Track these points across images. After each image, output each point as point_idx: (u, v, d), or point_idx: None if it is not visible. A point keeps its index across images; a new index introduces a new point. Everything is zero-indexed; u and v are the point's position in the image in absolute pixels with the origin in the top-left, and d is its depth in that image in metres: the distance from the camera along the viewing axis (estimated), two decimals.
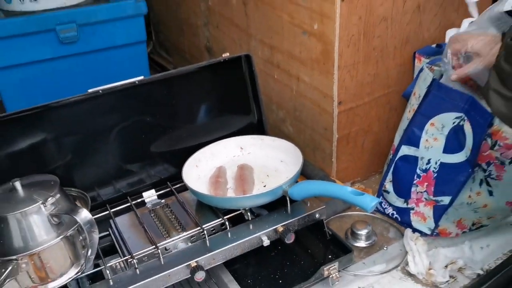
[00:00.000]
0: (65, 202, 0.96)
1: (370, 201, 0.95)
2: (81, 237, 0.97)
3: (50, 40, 1.57)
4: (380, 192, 1.31)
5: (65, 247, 0.95)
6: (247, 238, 1.06)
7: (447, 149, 1.16)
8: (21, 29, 1.53)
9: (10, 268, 0.88)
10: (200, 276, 1.00)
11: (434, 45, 1.32)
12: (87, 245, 0.92)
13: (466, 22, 1.18)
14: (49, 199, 0.92)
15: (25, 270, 0.91)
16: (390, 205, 1.29)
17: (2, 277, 0.86)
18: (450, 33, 1.28)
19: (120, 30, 1.68)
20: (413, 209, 1.24)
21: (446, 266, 1.15)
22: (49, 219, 0.92)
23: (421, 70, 1.21)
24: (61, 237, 0.93)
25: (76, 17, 1.60)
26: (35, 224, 0.91)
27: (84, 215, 0.90)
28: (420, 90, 1.21)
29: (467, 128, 1.10)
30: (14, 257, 0.89)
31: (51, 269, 0.94)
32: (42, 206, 0.91)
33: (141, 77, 1.18)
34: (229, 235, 1.07)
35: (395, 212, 1.28)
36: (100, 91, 1.13)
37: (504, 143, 1.07)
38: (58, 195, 0.94)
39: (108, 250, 1.11)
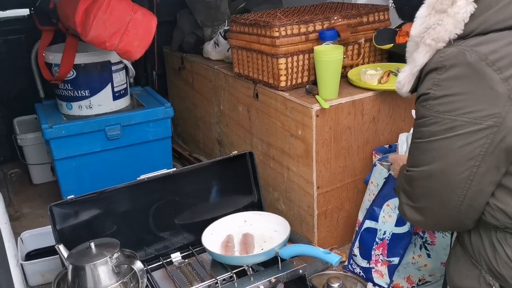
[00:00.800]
0: (123, 257, 1.38)
1: (334, 257, 1.37)
2: (132, 284, 1.38)
3: (100, 137, 2.06)
4: (350, 256, 1.72)
5: None
6: (249, 287, 1.46)
7: (397, 224, 1.59)
8: (79, 130, 2.02)
9: None
10: None
11: (387, 146, 1.79)
12: (140, 286, 1.33)
13: (402, 136, 1.64)
14: (114, 254, 1.34)
15: None
16: (358, 265, 1.69)
17: None
18: (402, 137, 1.74)
19: (152, 129, 2.18)
20: (373, 268, 1.64)
21: None
22: (113, 268, 1.34)
23: (374, 164, 1.67)
24: (120, 282, 1.34)
25: (120, 120, 2.10)
26: (102, 272, 1.33)
27: (138, 264, 1.32)
28: (376, 179, 1.66)
29: None
30: None
31: None
32: (108, 259, 1.33)
33: (174, 169, 1.65)
34: (236, 285, 1.48)
35: (361, 271, 1.68)
36: (146, 178, 1.59)
37: None
38: (119, 252, 1.37)
39: None
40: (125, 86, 2.22)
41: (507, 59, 0.92)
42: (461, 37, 0.97)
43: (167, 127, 2.22)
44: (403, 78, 1.10)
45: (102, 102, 2.13)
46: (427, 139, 1.01)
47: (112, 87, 2.15)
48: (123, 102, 2.22)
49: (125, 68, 2.21)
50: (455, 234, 1.22)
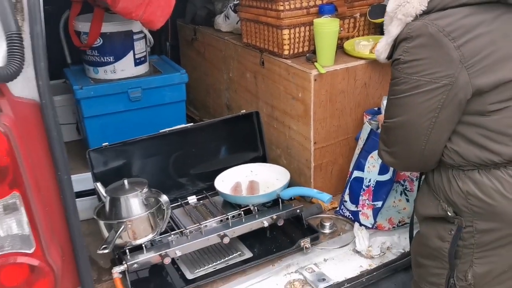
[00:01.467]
0: (150, 192, 1.67)
1: (326, 196, 1.67)
2: (157, 216, 1.66)
3: (123, 98, 2.32)
4: (341, 202, 2.00)
5: (149, 219, 1.64)
6: (254, 221, 1.75)
7: (380, 172, 1.86)
8: (105, 92, 2.28)
9: (122, 226, 1.57)
10: (226, 240, 1.68)
11: (376, 108, 2.05)
12: (165, 216, 1.61)
13: (384, 99, 1.90)
14: (144, 189, 1.63)
15: (128, 229, 1.60)
16: (347, 209, 1.98)
17: (120, 230, 1.56)
18: (384, 100, 2.00)
19: (169, 93, 2.43)
20: (360, 211, 1.92)
21: (379, 246, 1.83)
22: (142, 201, 1.63)
23: (364, 124, 1.94)
24: (148, 211, 1.63)
25: (141, 84, 2.35)
26: (134, 203, 1.62)
27: (164, 197, 1.60)
28: (364, 136, 1.93)
29: None
30: (124, 220, 1.59)
31: (140, 231, 1.63)
32: (139, 193, 1.62)
33: (191, 124, 1.92)
34: (243, 220, 1.77)
35: (350, 214, 1.96)
36: (167, 131, 1.87)
37: None
38: (147, 188, 1.65)
39: (169, 227, 1.79)
40: (144, 53, 2.47)
41: (460, 30, 1.18)
42: (425, 13, 1.23)
43: (182, 91, 2.48)
44: (381, 47, 1.36)
45: (125, 68, 2.39)
46: (398, 95, 1.27)
47: (134, 54, 2.40)
48: (143, 68, 2.48)
49: (145, 37, 2.45)
50: (423, 178, 1.50)
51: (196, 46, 2.91)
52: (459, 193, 1.28)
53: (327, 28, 1.90)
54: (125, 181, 1.65)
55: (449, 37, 1.18)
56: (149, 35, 2.47)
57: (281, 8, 1.95)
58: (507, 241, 1.24)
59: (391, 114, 1.32)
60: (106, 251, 1.50)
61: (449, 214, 1.31)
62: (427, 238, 1.39)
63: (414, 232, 1.58)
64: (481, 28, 1.18)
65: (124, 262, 1.59)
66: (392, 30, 1.30)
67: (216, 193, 1.93)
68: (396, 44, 1.29)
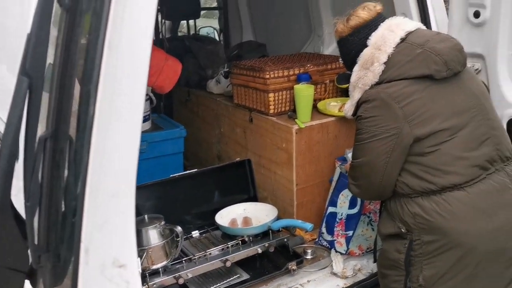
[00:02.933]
0: (166, 225, 2.03)
1: (308, 225, 2.07)
2: (171, 246, 2.02)
3: None
4: (320, 234, 2.40)
5: (164, 247, 1.99)
6: (250, 249, 2.13)
7: (350, 207, 2.29)
8: None
9: (145, 253, 1.92)
10: (228, 264, 2.05)
11: (345, 156, 2.51)
12: (178, 245, 1.97)
13: (347, 151, 2.36)
14: (161, 222, 2.00)
15: (148, 255, 1.95)
16: (325, 240, 2.37)
17: (143, 257, 1.90)
18: (347, 151, 2.45)
19: (169, 146, 2.85)
20: (335, 240, 2.32)
21: (352, 268, 2.22)
22: (159, 232, 1.99)
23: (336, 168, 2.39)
24: (164, 241, 1.98)
25: (146, 138, 2.76)
26: (152, 234, 1.98)
27: (179, 228, 1.97)
28: (335, 178, 2.37)
29: None
30: (145, 247, 1.94)
31: (157, 257, 1.98)
32: (158, 225, 1.99)
33: (196, 170, 2.32)
34: (241, 248, 2.14)
35: (327, 243, 2.36)
36: (176, 176, 2.26)
37: (373, 202, 2.22)
38: (164, 222, 2.02)
39: (179, 256, 2.14)
40: (149, 112, 2.91)
41: (402, 96, 1.66)
42: (377, 83, 1.71)
43: (180, 144, 2.91)
44: (347, 107, 1.84)
45: None
46: (361, 142, 1.73)
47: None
48: (147, 125, 2.90)
49: (150, 99, 2.89)
50: (383, 206, 1.93)
51: (189, 106, 3.37)
52: (409, 214, 1.71)
53: (305, 92, 2.39)
54: (146, 216, 2.02)
55: (395, 101, 1.65)
56: (153, 97, 2.91)
57: (267, 76, 2.44)
58: (445, 249, 1.66)
59: (356, 155, 1.77)
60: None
61: (403, 231, 1.73)
62: (388, 252, 1.80)
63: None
64: (416, 95, 1.66)
65: (145, 284, 1.92)
66: (355, 95, 1.77)
67: (215, 228, 2.31)
68: (358, 105, 1.76)
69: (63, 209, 1.24)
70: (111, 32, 1.13)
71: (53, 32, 1.24)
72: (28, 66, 1.15)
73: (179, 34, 4.75)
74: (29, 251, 1.27)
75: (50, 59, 1.24)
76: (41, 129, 1.26)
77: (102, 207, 1.22)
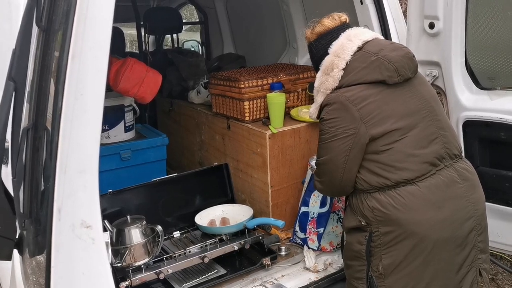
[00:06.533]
0: (147, 225, 2.17)
1: (280, 222, 2.23)
2: (152, 244, 2.16)
3: (116, 159, 2.87)
4: (293, 232, 2.56)
5: (146, 245, 2.13)
6: (227, 246, 2.28)
7: (321, 206, 2.45)
8: (102, 153, 2.81)
9: (127, 251, 2.06)
10: (206, 260, 2.19)
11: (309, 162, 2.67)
12: (159, 243, 2.12)
13: (310, 160, 2.52)
14: (143, 222, 2.14)
15: (130, 253, 2.09)
16: (298, 237, 2.53)
17: (125, 255, 2.04)
18: (310, 160, 2.61)
19: (153, 153, 3.00)
20: (308, 237, 2.47)
21: (323, 263, 2.38)
22: (141, 231, 2.13)
23: (307, 170, 2.55)
24: (145, 239, 2.12)
25: (130, 146, 2.91)
26: (135, 233, 2.12)
27: (159, 228, 2.12)
28: (307, 179, 2.53)
29: None
30: (128, 246, 2.08)
31: (139, 255, 2.11)
32: (139, 225, 2.13)
33: (176, 174, 2.47)
34: (218, 246, 2.29)
35: (300, 240, 2.51)
36: (157, 180, 2.41)
37: (341, 199, 2.38)
38: (145, 222, 2.16)
39: (160, 254, 2.28)
40: (132, 122, 3.06)
41: (359, 99, 1.83)
42: (337, 88, 1.89)
43: (163, 152, 3.06)
44: (312, 110, 2.01)
45: (117, 134, 2.96)
46: (323, 142, 1.90)
47: (124, 123, 2.98)
48: (131, 134, 3.05)
49: (133, 109, 3.05)
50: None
51: (172, 115, 3.52)
52: (368, 208, 1.87)
53: (277, 100, 2.56)
54: (128, 217, 2.16)
55: (352, 104, 1.83)
56: (136, 108, 3.06)
57: (242, 86, 2.61)
58: (400, 238, 1.82)
59: (320, 154, 1.93)
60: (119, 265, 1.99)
61: (363, 224, 1.89)
62: (351, 244, 1.96)
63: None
64: (371, 98, 1.84)
65: (128, 280, 2.06)
66: (318, 99, 1.95)
67: (195, 229, 2.46)
68: (321, 108, 1.93)
69: (42, 183, 1.53)
70: (73, 46, 1.43)
71: (33, 47, 1.61)
72: (13, 73, 1.51)
73: (164, 47, 4.93)
74: (17, 221, 1.56)
75: (30, 67, 1.60)
76: (24, 122, 1.62)
77: (71, 181, 1.48)
